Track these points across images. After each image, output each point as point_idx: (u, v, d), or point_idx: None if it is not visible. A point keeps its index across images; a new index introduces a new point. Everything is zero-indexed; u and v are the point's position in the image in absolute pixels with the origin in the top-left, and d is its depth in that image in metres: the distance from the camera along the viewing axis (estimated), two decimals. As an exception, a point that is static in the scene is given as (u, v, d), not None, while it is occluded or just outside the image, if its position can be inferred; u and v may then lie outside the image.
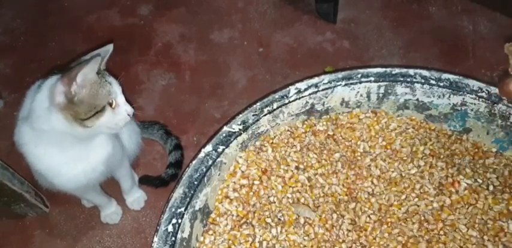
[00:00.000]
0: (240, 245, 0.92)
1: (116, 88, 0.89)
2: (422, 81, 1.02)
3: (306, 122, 1.08)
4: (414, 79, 1.03)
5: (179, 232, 0.87)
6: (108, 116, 0.87)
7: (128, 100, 0.92)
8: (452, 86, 1.01)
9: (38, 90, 0.88)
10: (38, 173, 1.03)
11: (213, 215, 0.98)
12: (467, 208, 0.93)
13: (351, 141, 1.05)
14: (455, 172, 0.97)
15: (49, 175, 0.97)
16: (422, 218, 0.93)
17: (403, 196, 0.95)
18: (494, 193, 0.94)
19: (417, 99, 1.05)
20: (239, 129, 0.98)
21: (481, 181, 0.96)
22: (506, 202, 0.93)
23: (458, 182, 0.96)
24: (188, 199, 0.90)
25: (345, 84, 1.03)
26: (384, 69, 1.04)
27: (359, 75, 1.03)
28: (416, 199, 0.95)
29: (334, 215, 0.93)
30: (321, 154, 1.02)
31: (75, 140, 0.90)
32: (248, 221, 0.95)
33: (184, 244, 0.89)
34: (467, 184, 0.96)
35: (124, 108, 0.90)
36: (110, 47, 0.92)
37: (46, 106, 0.85)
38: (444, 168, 0.99)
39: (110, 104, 0.87)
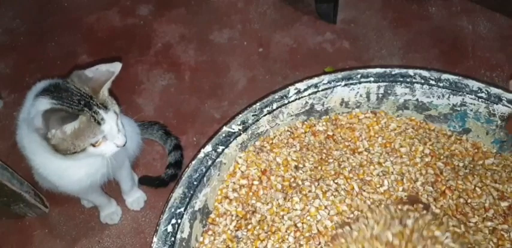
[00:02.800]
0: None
1: (106, 126, 0.85)
2: (422, 81, 1.02)
3: (305, 122, 1.08)
4: (414, 80, 1.03)
5: (179, 232, 0.87)
6: (89, 152, 0.86)
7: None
8: (452, 86, 1.01)
9: (33, 101, 0.85)
10: (40, 175, 1.02)
11: (212, 216, 0.98)
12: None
13: (350, 141, 1.05)
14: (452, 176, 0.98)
15: (52, 179, 0.97)
16: None
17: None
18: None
19: (417, 100, 1.05)
20: (239, 130, 0.98)
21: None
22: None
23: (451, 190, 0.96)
24: (188, 199, 0.90)
25: (345, 85, 1.03)
26: (383, 70, 1.04)
27: (359, 76, 1.03)
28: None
29: None
30: (320, 154, 1.02)
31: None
32: (248, 221, 0.95)
33: (184, 244, 0.89)
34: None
35: (112, 142, 0.87)
36: (117, 67, 0.87)
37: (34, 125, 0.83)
38: (442, 171, 0.99)
39: (94, 144, 0.85)
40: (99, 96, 0.86)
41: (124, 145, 0.89)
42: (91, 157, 0.90)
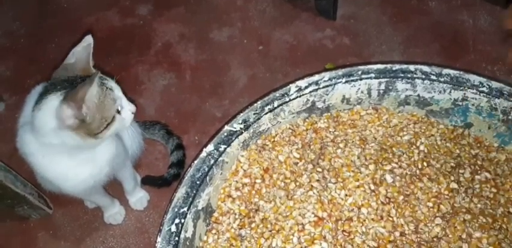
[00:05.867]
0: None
1: (117, 92, 0.88)
2: (423, 76, 1.02)
3: (307, 120, 1.08)
4: (415, 75, 1.02)
5: (182, 231, 0.87)
6: (117, 123, 0.87)
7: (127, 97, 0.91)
8: (453, 81, 1.01)
9: (36, 107, 0.85)
10: (44, 179, 1.03)
11: (215, 215, 0.98)
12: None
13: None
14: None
15: (57, 182, 0.97)
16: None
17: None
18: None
19: (418, 95, 1.05)
20: (240, 128, 0.98)
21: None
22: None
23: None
24: (191, 198, 0.90)
25: (346, 81, 1.03)
26: (384, 66, 1.03)
27: (359, 72, 1.03)
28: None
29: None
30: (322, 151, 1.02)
31: (84, 147, 0.90)
32: (251, 220, 0.95)
33: (188, 243, 0.89)
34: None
35: (128, 109, 0.90)
36: (89, 39, 0.89)
37: (53, 126, 0.83)
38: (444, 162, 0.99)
39: (118, 111, 0.87)
40: (95, 73, 0.88)
41: (135, 111, 0.92)
42: (117, 132, 0.92)
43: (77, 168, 0.94)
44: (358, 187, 0.94)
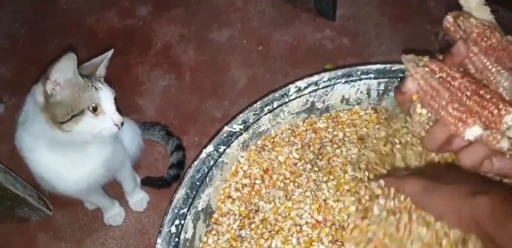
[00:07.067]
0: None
1: (102, 95, 0.87)
2: (422, 76, 1.02)
3: (306, 120, 1.07)
4: (414, 75, 1.02)
5: (182, 232, 0.87)
6: (88, 121, 0.85)
7: (121, 112, 0.90)
8: (452, 81, 1.01)
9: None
10: (39, 177, 1.03)
11: (215, 215, 0.97)
12: None
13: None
14: None
15: (50, 180, 0.97)
16: None
17: None
18: None
19: (417, 95, 1.04)
20: (240, 129, 0.98)
21: None
22: None
23: None
24: (191, 199, 0.90)
25: (345, 82, 1.03)
26: (383, 66, 1.03)
27: (359, 72, 1.03)
28: None
29: None
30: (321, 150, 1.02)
31: (69, 144, 0.89)
32: (251, 220, 0.95)
33: (188, 244, 0.89)
34: None
35: (110, 117, 0.87)
36: (108, 53, 0.94)
37: (33, 108, 0.85)
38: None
39: (94, 109, 0.85)
40: (96, 75, 0.92)
41: (122, 124, 0.90)
42: (90, 138, 0.89)
43: (69, 167, 0.94)
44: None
